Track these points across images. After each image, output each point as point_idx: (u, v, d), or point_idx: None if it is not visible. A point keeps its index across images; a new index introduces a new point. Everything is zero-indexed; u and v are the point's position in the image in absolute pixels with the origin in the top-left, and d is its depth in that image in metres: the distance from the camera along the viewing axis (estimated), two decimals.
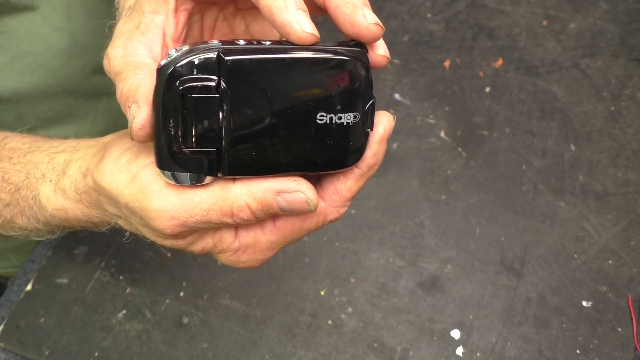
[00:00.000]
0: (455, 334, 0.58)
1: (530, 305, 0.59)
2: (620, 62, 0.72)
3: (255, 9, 0.29)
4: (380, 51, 0.30)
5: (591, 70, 0.72)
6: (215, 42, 0.28)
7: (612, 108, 0.69)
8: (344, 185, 0.32)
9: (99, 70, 0.65)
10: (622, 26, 0.74)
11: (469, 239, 0.63)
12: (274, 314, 0.62)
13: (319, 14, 0.31)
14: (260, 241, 0.33)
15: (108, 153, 0.33)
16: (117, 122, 0.73)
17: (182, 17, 0.33)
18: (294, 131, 0.29)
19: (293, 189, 0.30)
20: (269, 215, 0.31)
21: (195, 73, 0.27)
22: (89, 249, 0.68)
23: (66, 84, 0.62)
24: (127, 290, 0.65)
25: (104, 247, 0.68)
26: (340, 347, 0.59)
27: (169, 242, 0.32)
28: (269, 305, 0.62)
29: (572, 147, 0.67)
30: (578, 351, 0.56)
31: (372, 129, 0.31)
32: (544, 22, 0.77)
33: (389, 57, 0.30)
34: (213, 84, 0.27)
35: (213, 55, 0.27)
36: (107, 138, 0.38)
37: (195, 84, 0.27)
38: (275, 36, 0.36)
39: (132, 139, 0.29)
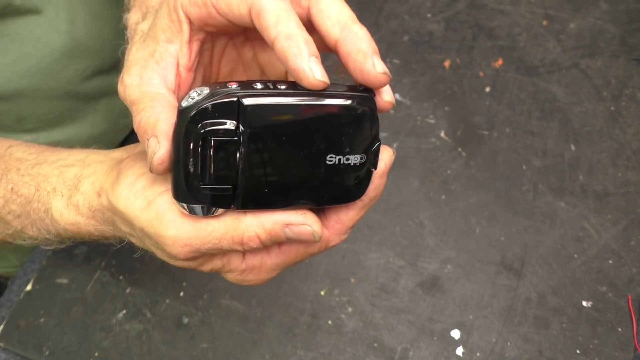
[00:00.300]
0: (455, 334, 0.59)
1: (530, 305, 0.59)
2: (620, 62, 0.72)
3: (263, 40, 0.30)
4: (386, 97, 0.32)
5: (591, 70, 0.72)
6: (233, 86, 0.30)
7: (612, 108, 0.69)
8: (347, 216, 0.34)
9: (100, 72, 0.65)
10: (622, 26, 0.74)
11: (469, 239, 0.63)
12: (274, 314, 0.62)
13: (329, 52, 0.32)
14: (266, 263, 0.35)
15: (123, 176, 0.34)
16: (117, 122, 0.73)
17: (195, 46, 0.34)
18: (304, 171, 0.31)
19: (300, 222, 0.32)
20: (275, 243, 0.33)
21: (215, 117, 0.29)
22: (89, 249, 0.68)
23: (67, 86, 0.62)
24: (127, 290, 0.65)
25: (104, 247, 0.68)
26: (340, 347, 0.59)
27: (180, 264, 0.34)
28: (269, 305, 0.62)
29: (572, 147, 0.67)
30: (578, 351, 0.56)
31: (376, 168, 0.33)
32: (544, 22, 0.77)
33: (394, 103, 0.32)
34: (232, 127, 0.29)
35: (233, 99, 0.29)
36: (117, 154, 0.39)
37: (216, 127, 0.29)
38: (282, 71, 0.38)
39: (150, 171, 0.31)
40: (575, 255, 0.61)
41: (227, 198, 0.31)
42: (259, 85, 0.30)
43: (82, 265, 0.67)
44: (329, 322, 0.61)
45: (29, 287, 0.67)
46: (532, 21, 0.77)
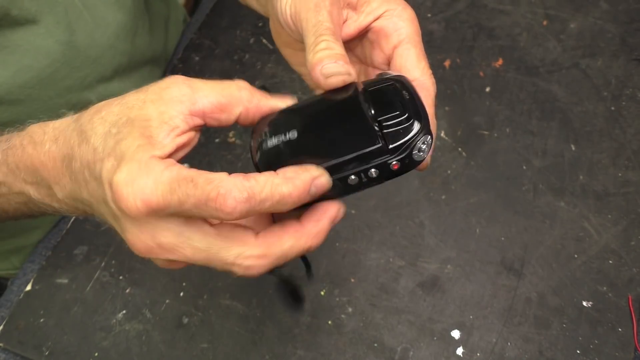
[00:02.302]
0: (456, 334, 0.58)
1: (530, 305, 0.59)
2: (620, 62, 0.72)
3: None
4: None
5: (591, 70, 0.72)
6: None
7: (613, 108, 0.69)
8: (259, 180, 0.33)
9: (101, 80, 0.65)
10: (622, 26, 0.74)
11: (469, 239, 0.63)
12: (274, 314, 0.62)
13: None
14: (157, 168, 0.32)
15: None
16: None
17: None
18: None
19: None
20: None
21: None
22: (89, 249, 0.68)
23: (68, 95, 0.62)
24: (127, 290, 0.65)
25: (104, 247, 0.68)
26: (340, 347, 0.59)
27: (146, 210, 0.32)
28: (269, 305, 0.62)
29: (572, 147, 0.67)
30: (578, 351, 0.56)
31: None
32: (544, 22, 0.77)
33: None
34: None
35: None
36: None
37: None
38: None
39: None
40: (576, 255, 0.61)
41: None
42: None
43: (81, 265, 0.67)
44: (329, 322, 0.61)
45: (28, 287, 0.67)
46: (532, 21, 0.77)
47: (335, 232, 0.65)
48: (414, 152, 0.33)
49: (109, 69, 0.65)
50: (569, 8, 0.77)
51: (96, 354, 0.62)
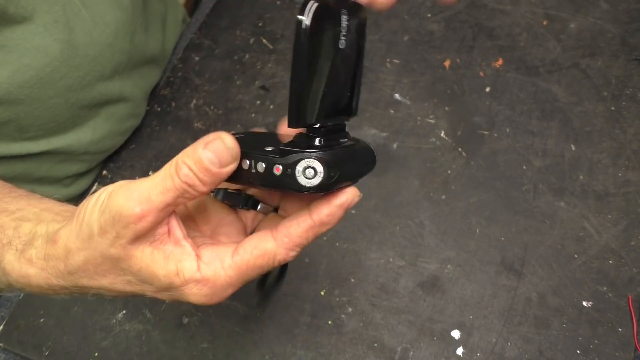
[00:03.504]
0: (456, 334, 0.58)
1: (530, 306, 0.59)
2: (620, 62, 0.72)
3: None
4: None
5: (591, 70, 0.72)
6: None
7: (613, 108, 0.69)
8: (296, 232, 0.35)
9: (100, 78, 0.65)
10: (622, 26, 0.74)
11: (469, 239, 0.63)
12: (274, 314, 0.62)
13: None
14: (220, 277, 0.35)
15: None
16: (119, 127, 0.73)
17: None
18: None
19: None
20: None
21: None
22: None
23: (67, 94, 0.61)
24: None
25: None
26: (340, 347, 0.59)
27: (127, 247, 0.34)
28: (269, 305, 0.62)
29: (573, 147, 0.67)
30: (578, 351, 0.56)
31: None
32: (544, 22, 0.77)
33: None
34: None
35: None
36: (70, 209, 0.43)
37: None
38: None
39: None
40: (576, 255, 0.61)
41: None
42: None
43: None
44: (329, 322, 0.61)
45: None
46: (532, 21, 0.77)
47: (335, 232, 0.65)
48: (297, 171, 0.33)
49: (108, 68, 0.65)
50: (569, 8, 0.77)
51: (96, 354, 0.62)
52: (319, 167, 0.32)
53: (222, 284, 0.35)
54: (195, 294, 0.35)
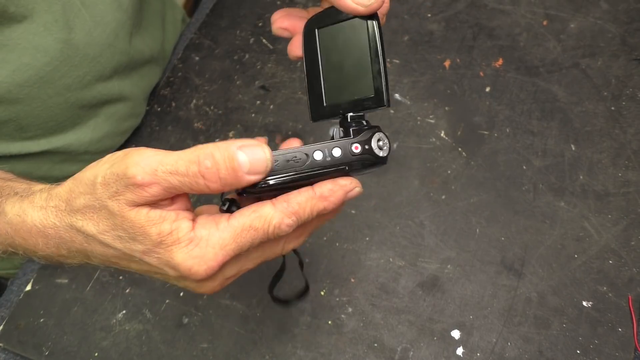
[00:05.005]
0: (456, 334, 0.58)
1: (530, 305, 0.59)
2: (620, 62, 0.72)
3: None
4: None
5: (591, 70, 0.72)
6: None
7: (613, 108, 0.69)
8: (295, 198, 0.36)
9: (99, 78, 0.65)
10: (622, 26, 0.74)
11: (469, 239, 0.63)
12: (274, 314, 0.62)
13: None
14: (214, 236, 0.35)
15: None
16: (119, 126, 0.73)
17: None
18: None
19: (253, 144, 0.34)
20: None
21: None
22: None
23: (67, 94, 0.62)
24: (127, 290, 0.65)
25: None
26: (340, 347, 0.59)
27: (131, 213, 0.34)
28: (269, 305, 0.62)
29: (573, 147, 0.67)
30: (578, 351, 0.56)
31: None
32: (544, 22, 0.77)
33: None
34: None
35: None
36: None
37: None
38: None
39: None
40: (576, 255, 0.61)
41: None
42: None
43: (82, 265, 0.67)
44: (329, 322, 0.61)
45: (28, 287, 0.67)
46: (532, 21, 0.77)
47: (335, 232, 0.65)
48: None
49: (107, 68, 0.65)
50: (569, 8, 0.77)
51: (96, 354, 0.62)
52: (385, 139, 0.37)
53: (214, 245, 0.34)
54: (184, 255, 0.34)
